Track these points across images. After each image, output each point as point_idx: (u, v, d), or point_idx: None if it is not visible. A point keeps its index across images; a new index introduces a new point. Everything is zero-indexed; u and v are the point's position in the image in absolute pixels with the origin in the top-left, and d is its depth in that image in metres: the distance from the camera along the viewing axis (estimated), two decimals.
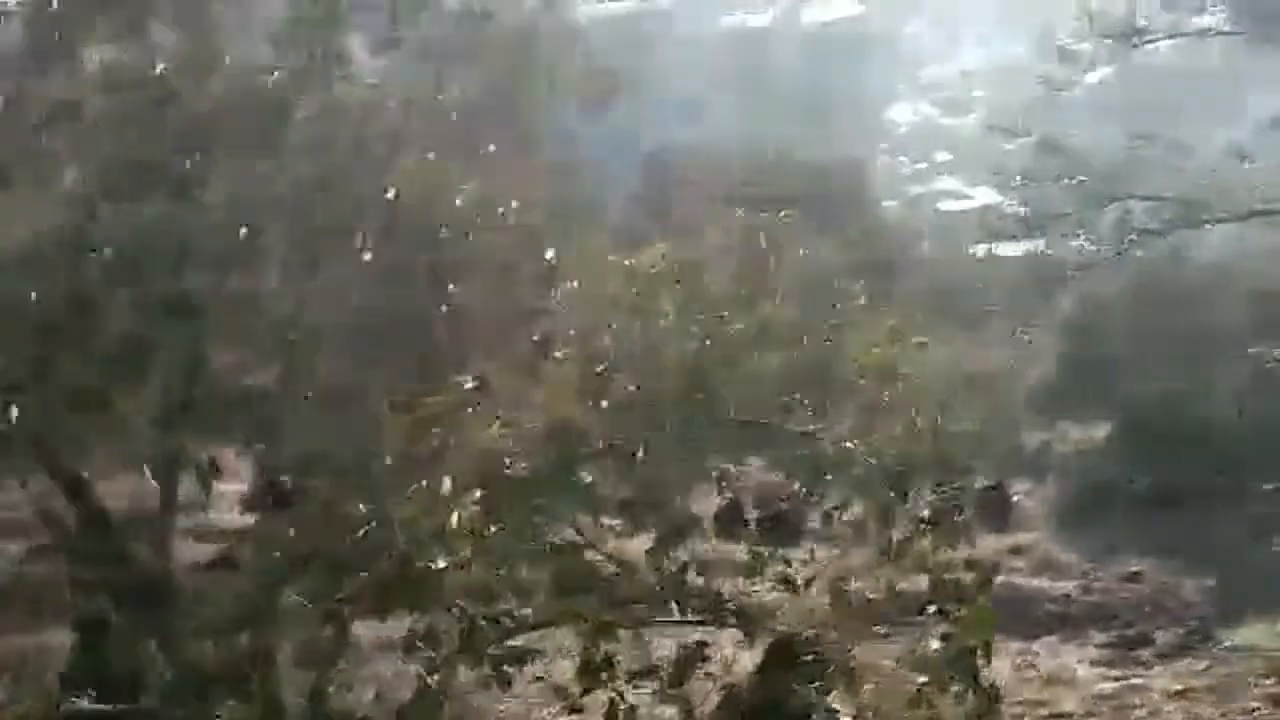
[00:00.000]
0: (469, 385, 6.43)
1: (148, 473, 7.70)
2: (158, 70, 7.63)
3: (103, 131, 7.82)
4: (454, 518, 5.94)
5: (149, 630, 7.99)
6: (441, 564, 5.87)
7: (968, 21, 61.80)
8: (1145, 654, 15.39)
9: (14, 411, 7.42)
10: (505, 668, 6.20)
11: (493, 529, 5.98)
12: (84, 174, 7.76)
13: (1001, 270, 22.89)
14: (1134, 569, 18.36)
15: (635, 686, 6.57)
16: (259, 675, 6.40)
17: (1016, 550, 19.57)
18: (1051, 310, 20.31)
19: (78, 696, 8.27)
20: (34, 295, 7.54)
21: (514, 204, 7.71)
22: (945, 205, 47.48)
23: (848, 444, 6.80)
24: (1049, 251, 19.73)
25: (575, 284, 7.65)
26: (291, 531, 6.79)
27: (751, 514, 18.12)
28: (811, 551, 7.39)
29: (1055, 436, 23.03)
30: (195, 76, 7.68)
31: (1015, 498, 22.50)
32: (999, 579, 9.59)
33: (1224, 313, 20.84)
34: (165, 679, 7.46)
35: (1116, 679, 14.39)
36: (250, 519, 15.77)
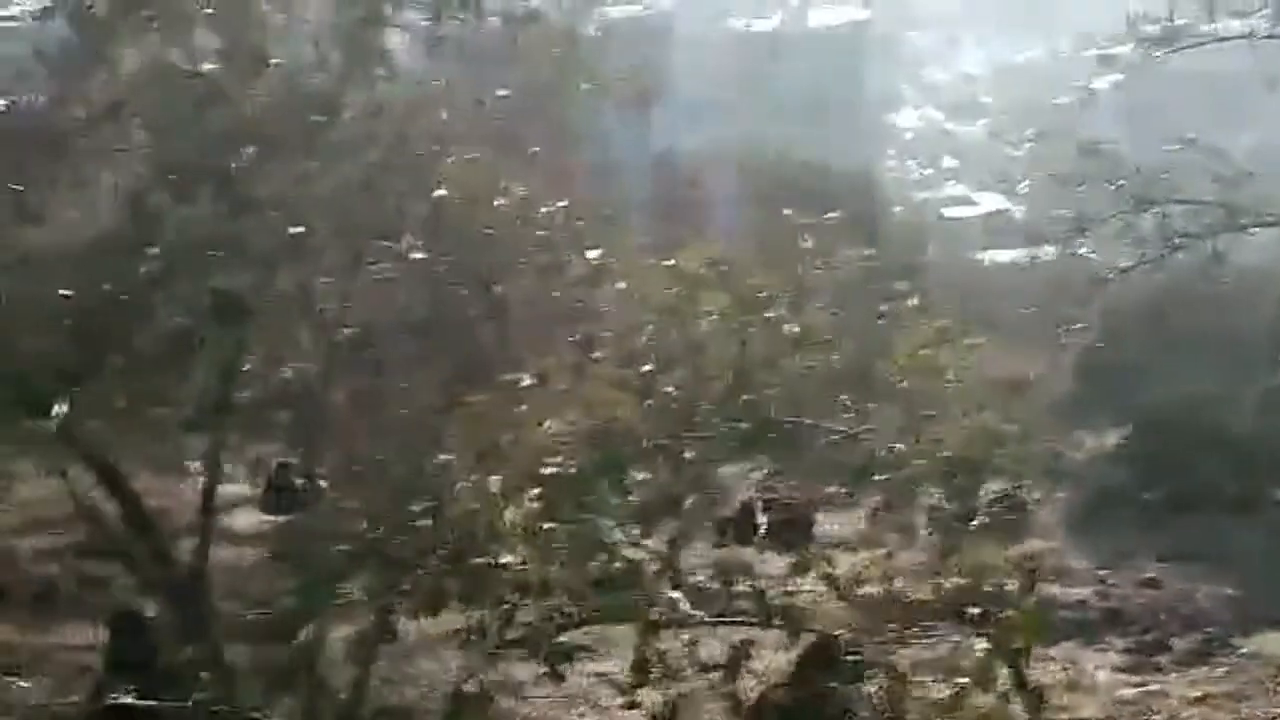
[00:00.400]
0: (526, 383, 6.47)
1: (196, 469, 7.73)
2: (204, 70, 7.66)
3: (148, 131, 7.85)
4: (509, 515, 5.98)
5: (190, 627, 8.01)
6: (504, 559, 5.89)
7: (976, 26, 61.88)
8: (1163, 660, 15.43)
9: (59, 408, 7.46)
10: (558, 664, 6.24)
11: (547, 526, 6.02)
12: (130, 173, 7.79)
13: (1028, 275, 22.90)
14: (1149, 575, 18.39)
15: (685, 684, 6.61)
16: (309, 670, 6.42)
17: (1031, 556, 19.61)
18: (1088, 315, 20.33)
19: (117, 692, 8.30)
20: (80, 293, 7.59)
21: (559, 204, 7.74)
22: (952, 211, 47.63)
23: (897, 446, 6.83)
24: (1085, 254, 19.74)
25: (619, 285, 7.68)
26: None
27: (760, 518, 18.19)
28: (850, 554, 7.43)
29: (1070, 442, 23.06)
30: (241, 77, 7.70)
31: (1029, 504, 22.57)
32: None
33: (1261, 317, 20.84)
34: (212, 674, 7.49)
35: (1136, 685, 14.43)
36: (257, 519, 15.81)
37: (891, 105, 58.88)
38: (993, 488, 6.93)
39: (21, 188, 7.98)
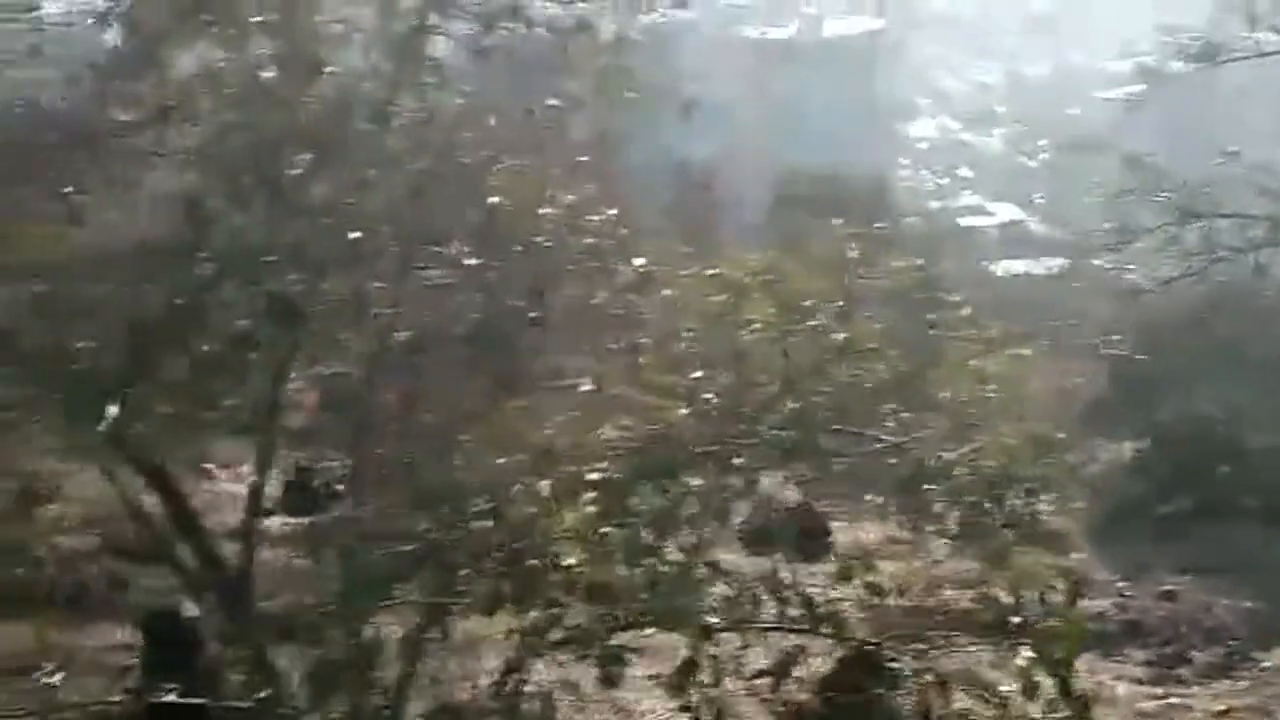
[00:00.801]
0: (585, 388, 6.55)
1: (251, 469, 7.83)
2: (260, 76, 7.76)
3: (201, 136, 7.95)
4: (566, 518, 6.06)
5: (236, 628, 8.10)
6: (560, 561, 5.98)
7: (991, 38, 61.95)
8: (1184, 673, 15.42)
9: (112, 409, 7.56)
10: (609, 666, 6.31)
11: (603, 530, 6.09)
12: (181, 177, 7.89)
13: (1048, 285, 22.93)
14: (1168, 587, 18.38)
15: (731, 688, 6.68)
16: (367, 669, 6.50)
17: (1049, 567, 19.56)
18: (1125, 326, 20.36)
19: (155, 692, 8.35)
20: (131, 295, 7.69)
21: (607, 212, 7.83)
22: (966, 220, 47.65)
23: (943, 455, 6.90)
24: (1130, 267, 19.82)
25: (665, 292, 7.77)
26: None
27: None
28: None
29: (1093, 452, 23.06)
30: (296, 83, 7.80)
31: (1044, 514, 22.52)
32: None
33: None
34: (256, 674, 7.56)
35: (1158, 697, 14.43)
36: (278, 520, 15.85)
37: (906, 114, 58.93)
38: (1039, 498, 6.98)
39: (71, 190, 8.09)
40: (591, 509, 6.10)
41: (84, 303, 7.81)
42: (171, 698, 8.11)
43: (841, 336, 7.24)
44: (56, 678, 8.00)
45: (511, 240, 7.61)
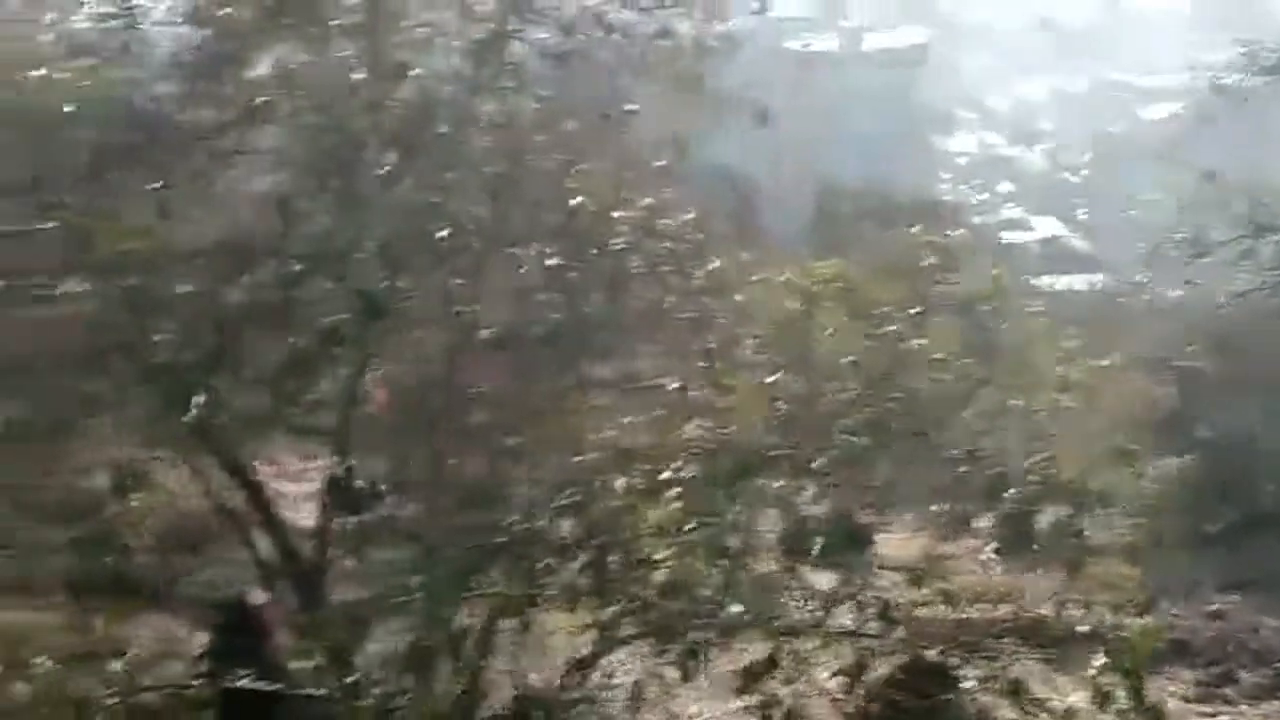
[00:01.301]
0: (673, 387, 6.65)
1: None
2: (347, 78, 7.91)
3: (288, 135, 8.11)
4: (649, 515, 6.15)
5: (312, 618, 8.25)
6: (656, 556, 6.07)
7: (1033, 54, 61.71)
8: (1231, 692, 15.34)
9: (197, 401, 7.73)
10: (688, 661, 6.40)
11: (688, 528, 6.18)
12: (272, 176, 8.05)
13: (1097, 301, 22.79)
14: (1216, 607, 18.24)
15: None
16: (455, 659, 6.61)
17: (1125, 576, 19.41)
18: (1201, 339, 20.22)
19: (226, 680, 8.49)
20: (216, 290, 7.86)
21: (683, 216, 7.93)
22: (1009, 235, 47.43)
23: (1020, 464, 6.95)
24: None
25: (738, 297, 7.85)
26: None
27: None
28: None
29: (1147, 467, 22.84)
30: (383, 86, 7.95)
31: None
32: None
33: None
34: (330, 664, 7.70)
35: (1207, 715, 14.36)
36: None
37: (947, 129, 58.74)
38: (1112, 509, 7.02)
39: (159, 186, 8.27)
40: (675, 506, 6.19)
41: (172, 297, 7.98)
42: (244, 684, 8.26)
43: (917, 343, 7.30)
44: (134, 663, 8.15)
45: (589, 242, 7.71)
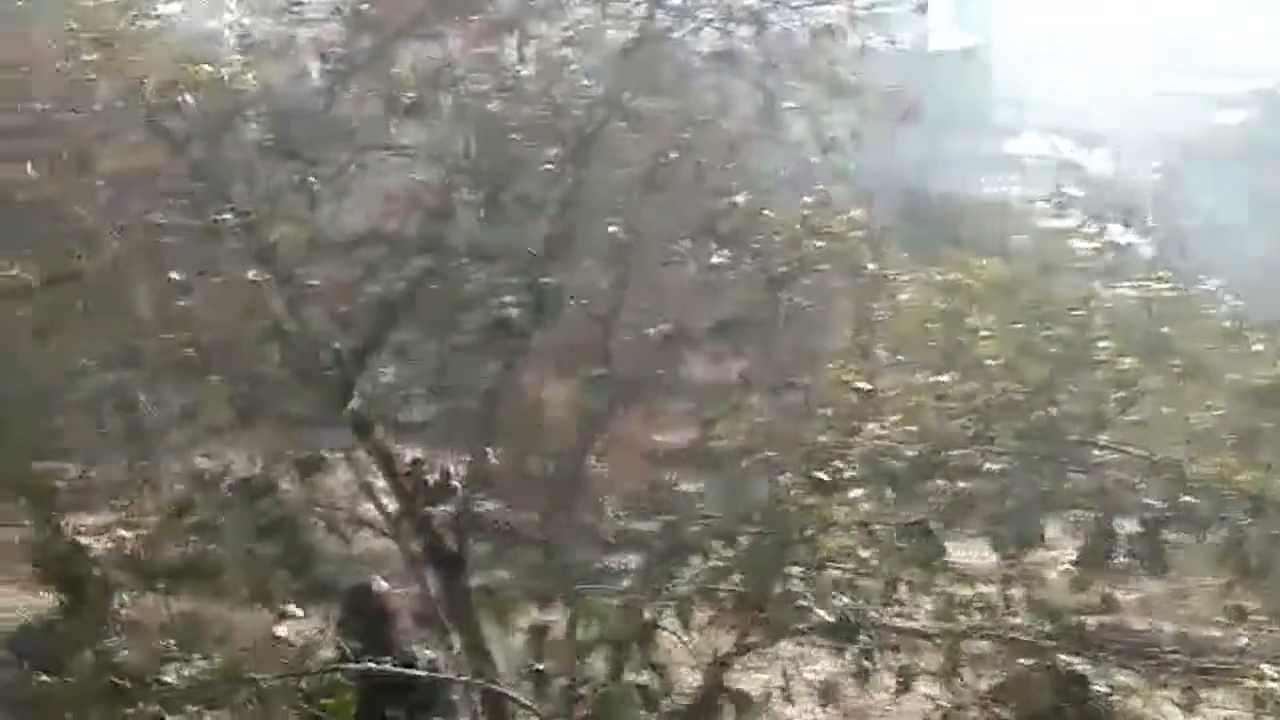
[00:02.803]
0: (863, 388, 6.66)
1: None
2: (511, 75, 7.98)
3: (447, 130, 8.20)
4: (839, 513, 6.17)
5: (453, 603, 8.38)
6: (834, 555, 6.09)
7: (1099, 57, 61.05)
8: None
9: (357, 393, 7.86)
10: (864, 660, 6.43)
11: (877, 527, 6.20)
12: (433, 170, 8.14)
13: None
14: None
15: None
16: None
17: (1181, 594, 19.20)
18: None
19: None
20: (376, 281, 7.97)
21: (847, 214, 7.94)
22: (1074, 242, 46.76)
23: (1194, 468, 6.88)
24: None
25: (901, 296, 7.85)
26: None
27: None
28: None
29: None
30: (540, 81, 8.02)
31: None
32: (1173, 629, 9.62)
33: None
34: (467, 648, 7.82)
35: None
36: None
37: (1011, 132, 58.19)
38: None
39: (314, 179, 8.38)
40: (861, 505, 6.21)
41: (333, 289, 8.09)
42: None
43: (1094, 340, 7.24)
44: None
45: (752, 238, 7.74)
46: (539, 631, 7.54)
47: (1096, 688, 7.44)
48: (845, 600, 6.41)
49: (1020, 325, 7.50)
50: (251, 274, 7.62)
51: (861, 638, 6.53)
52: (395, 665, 8.38)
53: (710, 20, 8.46)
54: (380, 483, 8.65)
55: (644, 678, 6.58)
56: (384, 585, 10.14)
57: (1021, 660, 7.09)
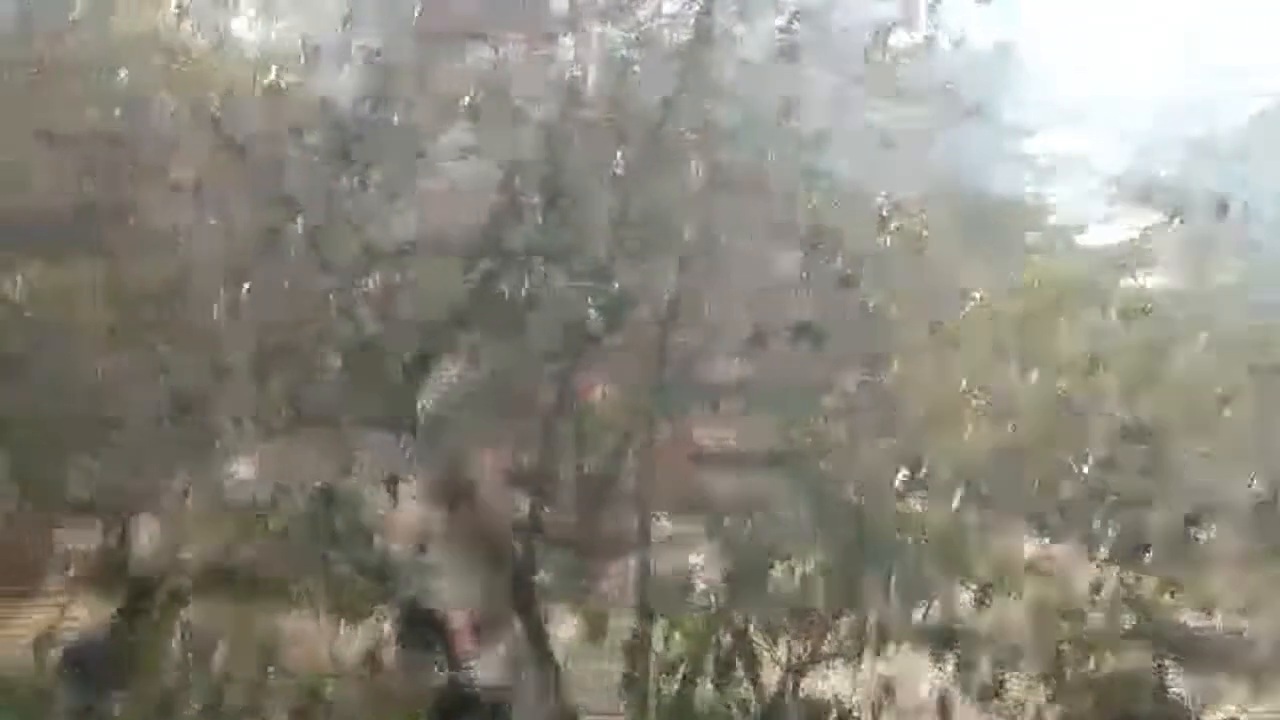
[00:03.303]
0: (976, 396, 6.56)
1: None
2: (570, 78, 7.88)
3: (514, 135, 8.09)
4: (932, 516, 6.06)
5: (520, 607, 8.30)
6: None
7: (1118, 55, 60.83)
8: None
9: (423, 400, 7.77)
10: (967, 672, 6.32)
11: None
12: (497, 175, 8.02)
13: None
14: None
15: None
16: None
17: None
18: None
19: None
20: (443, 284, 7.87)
21: (918, 213, 7.83)
22: (1090, 239, 46.62)
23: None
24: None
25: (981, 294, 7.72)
26: None
27: None
28: None
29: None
30: (607, 85, 7.90)
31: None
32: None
33: None
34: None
35: None
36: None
37: (1029, 129, 58.16)
38: None
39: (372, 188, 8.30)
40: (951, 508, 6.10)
41: (395, 294, 7.99)
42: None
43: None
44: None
45: (826, 239, 7.62)
46: (628, 642, 7.49)
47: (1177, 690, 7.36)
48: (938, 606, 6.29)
49: (1104, 323, 7.40)
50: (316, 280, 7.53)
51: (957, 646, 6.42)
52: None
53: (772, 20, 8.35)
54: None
55: (735, 686, 6.47)
56: (444, 598, 10.07)
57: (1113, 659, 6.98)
